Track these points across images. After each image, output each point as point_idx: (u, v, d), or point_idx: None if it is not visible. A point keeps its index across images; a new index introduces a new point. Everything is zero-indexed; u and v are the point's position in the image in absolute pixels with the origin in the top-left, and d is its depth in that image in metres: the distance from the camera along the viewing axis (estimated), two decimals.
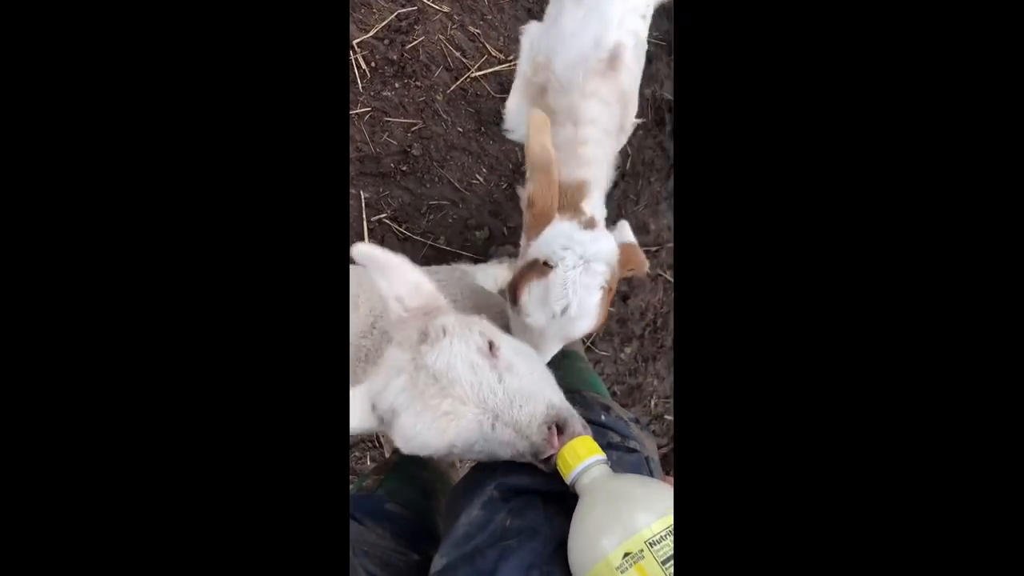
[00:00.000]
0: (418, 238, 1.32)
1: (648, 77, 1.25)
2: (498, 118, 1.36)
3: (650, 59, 1.07)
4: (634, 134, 1.27)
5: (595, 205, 0.81)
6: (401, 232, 1.31)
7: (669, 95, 1.39)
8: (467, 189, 1.35)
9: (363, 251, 0.63)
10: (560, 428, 0.55)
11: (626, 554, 0.44)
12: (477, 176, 1.36)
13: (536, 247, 0.74)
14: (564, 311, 0.71)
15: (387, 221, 1.30)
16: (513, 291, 0.75)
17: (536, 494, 0.57)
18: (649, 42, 0.93)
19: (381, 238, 1.30)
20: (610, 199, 1.11)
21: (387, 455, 1.22)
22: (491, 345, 0.59)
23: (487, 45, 1.37)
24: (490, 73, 1.37)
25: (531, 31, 0.99)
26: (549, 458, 0.54)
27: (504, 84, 1.36)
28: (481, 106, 1.36)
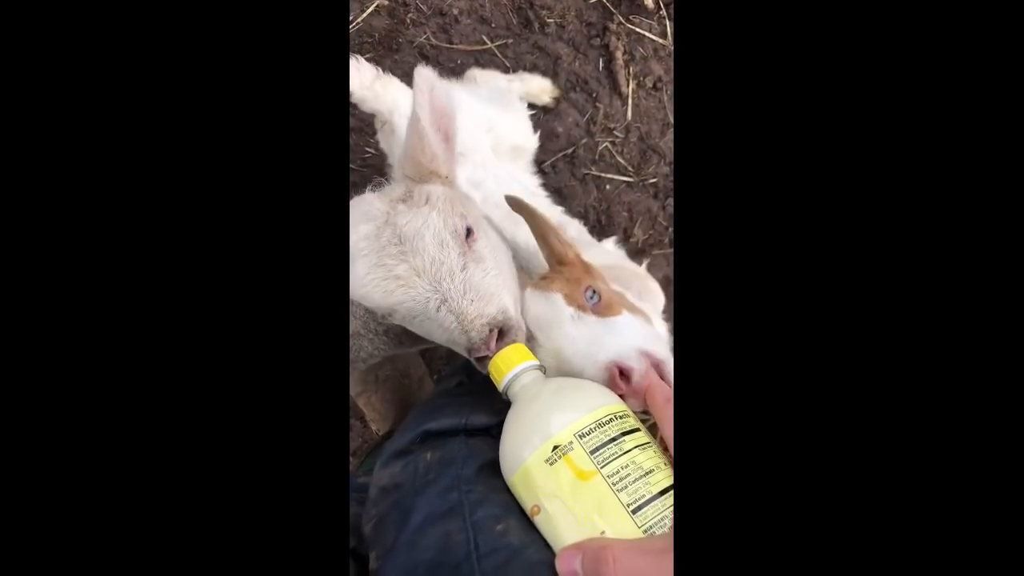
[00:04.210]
0: None
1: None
2: None
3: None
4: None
5: None
6: None
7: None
8: None
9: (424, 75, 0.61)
10: (502, 334, 0.54)
11: (555, 447, 0.43)
12: None
13: None
14: None
15: None
16: None
17: (460, 431, 0.56)
18: None
19: None
20: None
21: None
22: (469, 232, 0.56)
23: None
24: None
25: None
26: (482, 360, 0.53)
27: None
28: None
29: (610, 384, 0.51)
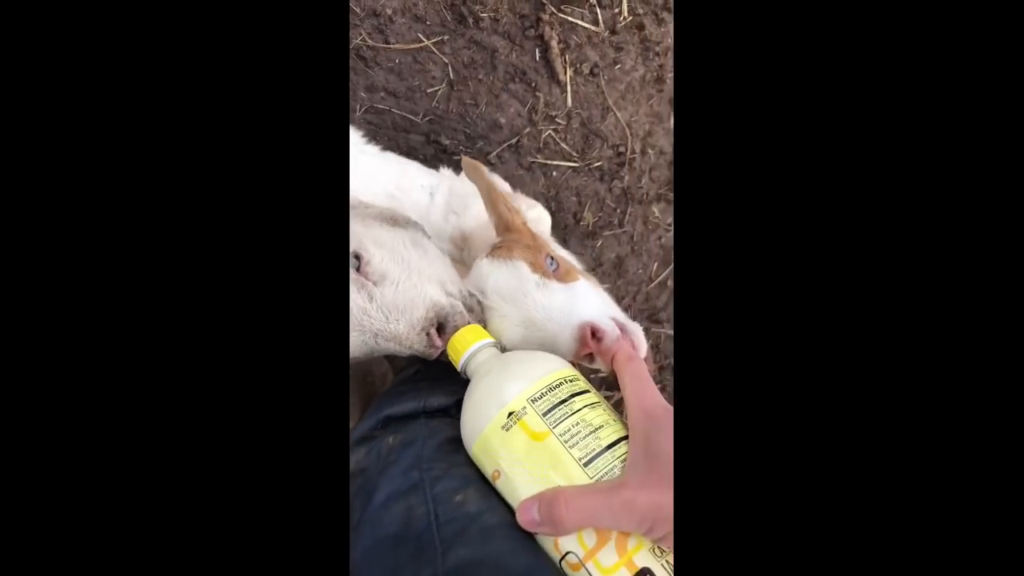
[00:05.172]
0: None
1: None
2: None
3: None
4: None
5: None
6: None
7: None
8: None
9: None
10: (441, 327, 0.55)
11: (510, 413, 0.46)
12: None
13: None
14: None
15: None
16: None
17: (420, 414, 0.58)
18: None
19: None
20: None
21: None
22: (357, 258, 0.56)
23: None
24: None
25: None
26: (440, 355, 0.55)
27: None
28: None
29: (581, 344, 0.54)
